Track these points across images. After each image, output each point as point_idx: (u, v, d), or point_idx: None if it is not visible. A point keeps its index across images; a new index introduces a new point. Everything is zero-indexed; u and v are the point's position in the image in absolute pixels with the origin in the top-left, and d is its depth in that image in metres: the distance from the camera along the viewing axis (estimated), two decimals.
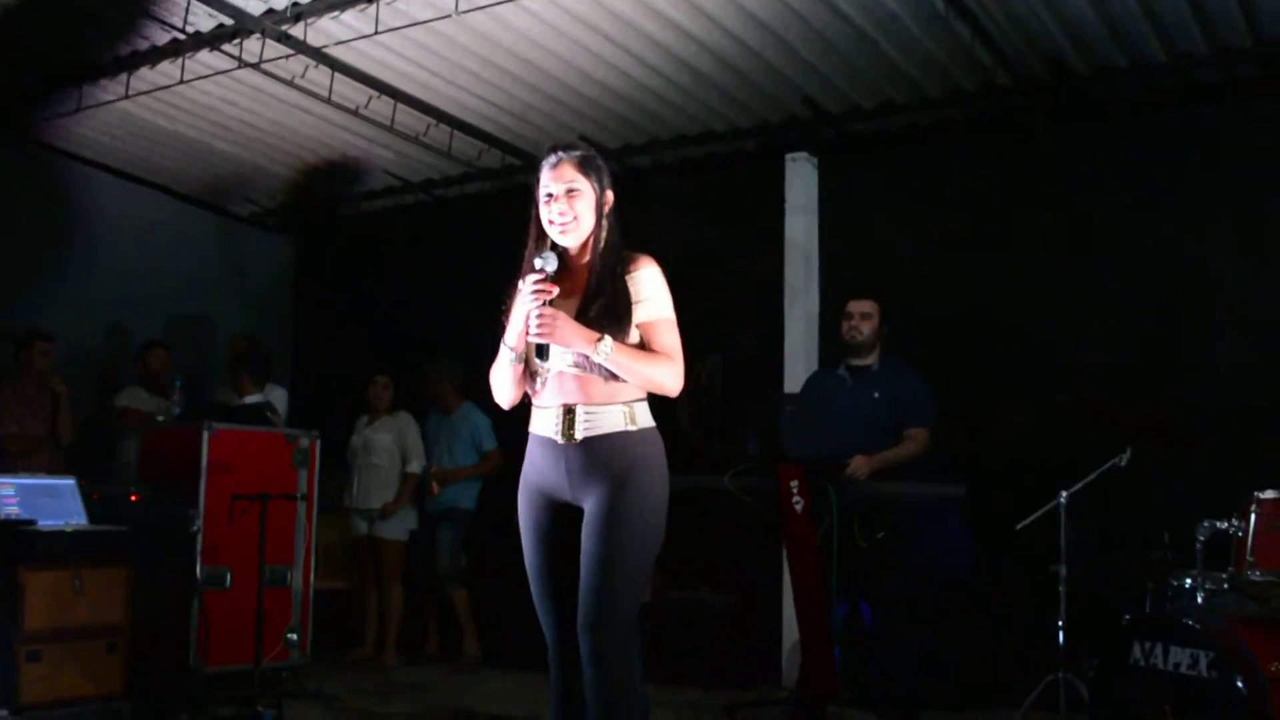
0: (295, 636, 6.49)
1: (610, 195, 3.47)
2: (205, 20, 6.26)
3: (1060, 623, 5.13)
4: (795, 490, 5.43)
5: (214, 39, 6.44)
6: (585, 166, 3.43)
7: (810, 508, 5.42)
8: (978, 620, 6.35)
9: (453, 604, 7.80)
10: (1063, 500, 5.14)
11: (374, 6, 5.98)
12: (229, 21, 6.23)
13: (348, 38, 6.31)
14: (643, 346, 3.36)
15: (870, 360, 5.98)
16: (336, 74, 6.81)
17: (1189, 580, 4.78)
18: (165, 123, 7.74)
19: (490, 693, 6.81)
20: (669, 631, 6.92)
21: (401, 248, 9.34)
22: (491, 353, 3.53)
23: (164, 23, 6.22)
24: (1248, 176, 6.28)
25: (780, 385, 7.09)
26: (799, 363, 7.13)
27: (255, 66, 6.60)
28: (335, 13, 6.09)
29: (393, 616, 7.81)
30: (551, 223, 3.39)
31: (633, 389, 3.35)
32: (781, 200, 7.46)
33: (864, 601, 5.83)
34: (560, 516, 3.39)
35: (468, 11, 5.85)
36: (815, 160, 7.43)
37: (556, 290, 3.28)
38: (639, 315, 3.37)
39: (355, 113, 7.31)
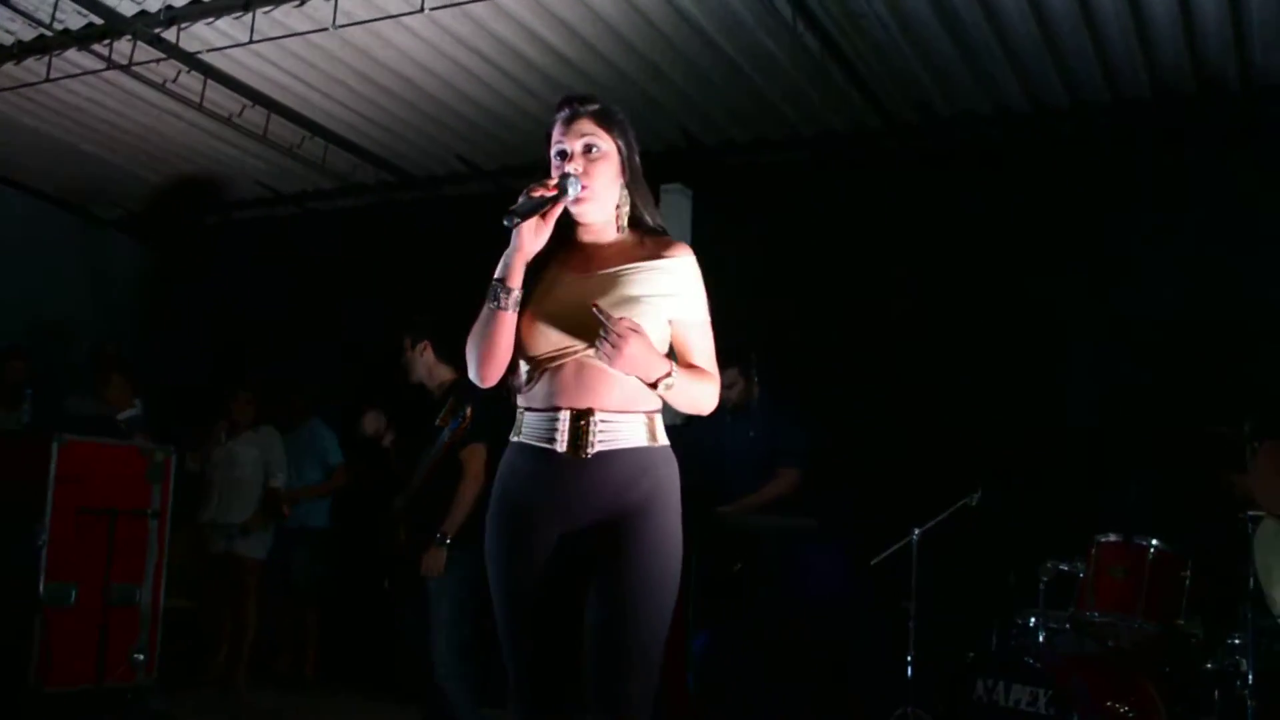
0: (141, 656, 6.29)
1: (638, 161, 2.87)
2: (74, 18, 6.08)
3: (909, 658, 5.23)
4: None
5: (83, 38, 6.27)
6: (607, 122, 2.82)
7: None
8: (830, 653, 6.44)
9: (304, 624, 7.65)
10: (915, 538, 5.25)
11: (250, 15, 5.88)
12: (99, 21, 6.06)
13: (222, 45, 6.21)
14: (671, 350, 2.81)
15: (749, 402, 6.02)
16: (209, 81, 6.68)
17: (1032, 619, 4.94)
18: (27, 119, 7.50)
19: (342, 715, 6.71)
20: None
21: (271, 259, 9.17)
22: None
23: (30, 18, 6.03)
24: (1098, 224, 6.49)
25: None
26: None
27: (125, 69, 6.45)
28: (210, 19, 5.97)
29: (246, 637, 7.63)
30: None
31: (653, 396, 2.74)
32: None
33: (720, 631, 5.87)
34: (552, 546, 2.72)
35: (345, 26, 5.78)
36: (690, 192, 7.50)
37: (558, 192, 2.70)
38: (675, 310, 2.79)
39: (228, 121, 7.17)
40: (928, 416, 6.56)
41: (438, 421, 5.02)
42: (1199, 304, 6.12)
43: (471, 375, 2.80)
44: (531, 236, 2.71)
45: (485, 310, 2.73)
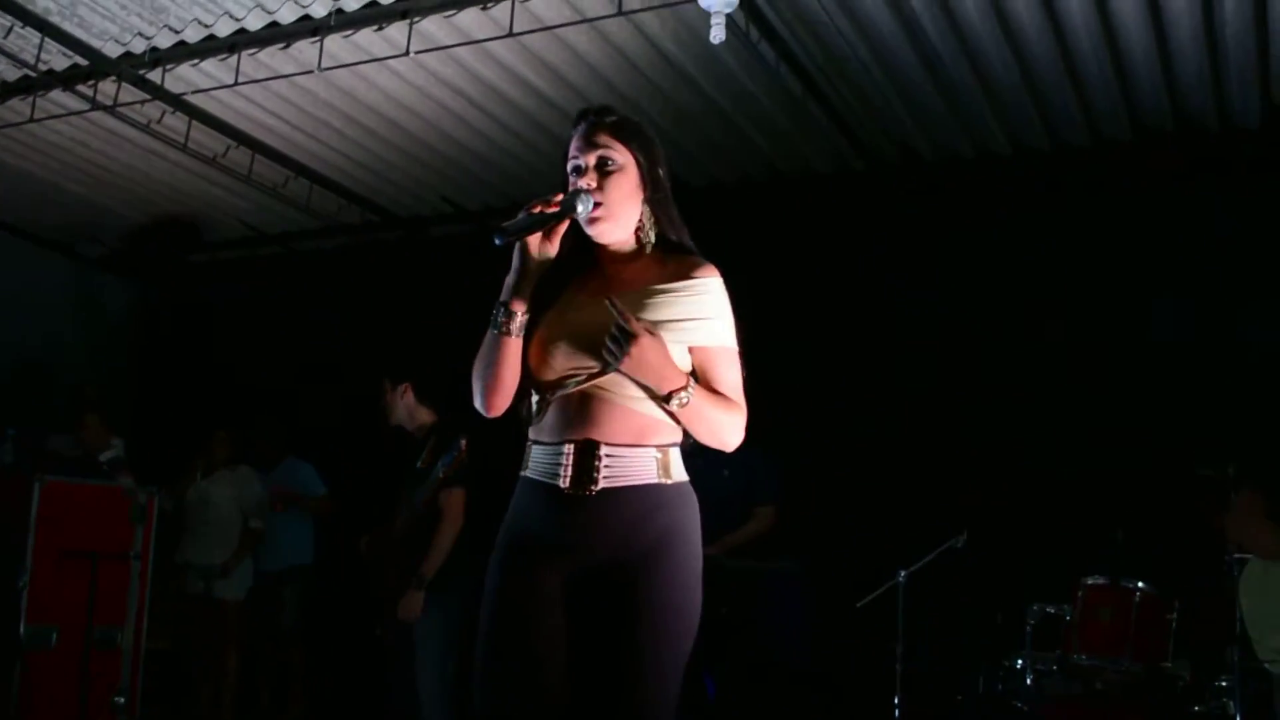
0: (123, 700, 6.23)
1: (663, 174, 2.64)
2: (59, 60, 6.08)
3: (896, 700, 5.21)
4: None
5: (68, 79, 6.27)
6: (625, 134, 2.60)
7: None
8: (817, 696, 6.41)
9: (289, 664, 7.60)
10: (901, 579, 5.24)
11: (235, 57, 5.89)
12: (84, 62, 6.06)
13: (207, 86, 6.20)
14: (693, 378, 2.54)
15: None
16: (194, 121, 6.68)
17: (1019, 661, 4.93)
18: (11, 159, 7.49)
19: None
20: None
21: (255, 299, 9.17)
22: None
23: (15, 59, 6.03)
24: (1082, 265, 6.52)
25: None
26: None
27: (109, 109, 6.44)
28: (195, 60, 5.98)
29: (227, 679, 7.56)
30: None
31: (670, 428, 2.55)
32: None
33: (707, 674, 5.84)
34: (555, 594, 2.49)
35: (331, 68, 5.80)
36: None
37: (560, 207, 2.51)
38: (699, 337, 2.54)
39: (212, 161, 7.16)
40: (913, 457, 6.55)
41: (419, 464, 5.00)
42: (1184, 344, 6.15)
43: (477, 405, 2.61)
44: (533, 256, 2.52)
45: (488, 335, 2.55)
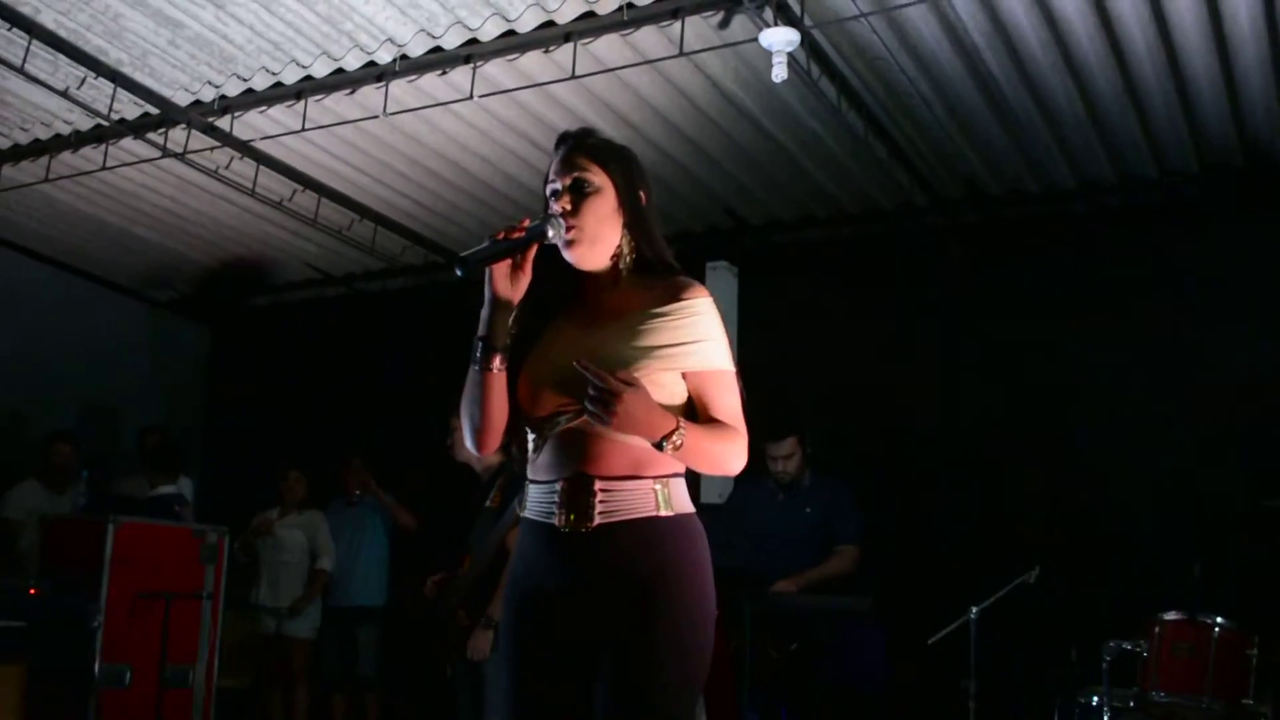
0: None
1: (644, 197, 2.58)
2: (130, 108, 6.20)
3: None
4: None
5: (139, 127, 6.39)
6: (602, 156, 2.54)
7: (722, 619, 5.39)
8: None
9: (366, 708, 7.63)
10: (973, 615, 5.18)
11: (302, 103, 5.97)
12: (155, 111, 6.17)
13: (274, 132, 6.31)
14: (690, 406, 2.49)
15: (802, 479, 5.99)
16: (261, 167, 6.78)
17: (1095, 699, 4.84)
18: (85, 207, 7.65)
19: None
20: None
21: (320, 340, 9.27)
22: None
23: (88, 109, 6.16)
24: (1149, 299, 6.46)
25: (696, 495, 7.06)
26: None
27: (179, 156, 6.56)
28: (262, 107, 6.07)
29: (299, 717, 7.61)
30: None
31: (668, 460, 2.42)
32: None
33: (783, 708, 5.78)
34: (559, 634, 2.43)
35: (396, 113, 5.87)
36: (736, 269, 7.51)
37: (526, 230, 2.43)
38: (692, 362, 2.46)
39: (278, 205, 7.27)
40: (983, 492, 6.49)
41: (488, 503, 5.02)
42: (1255, 378, 6.06)
43: (468, 444, 2.56)
44: (504, 286, 2.45)
45: (470, 372, 2.48)
